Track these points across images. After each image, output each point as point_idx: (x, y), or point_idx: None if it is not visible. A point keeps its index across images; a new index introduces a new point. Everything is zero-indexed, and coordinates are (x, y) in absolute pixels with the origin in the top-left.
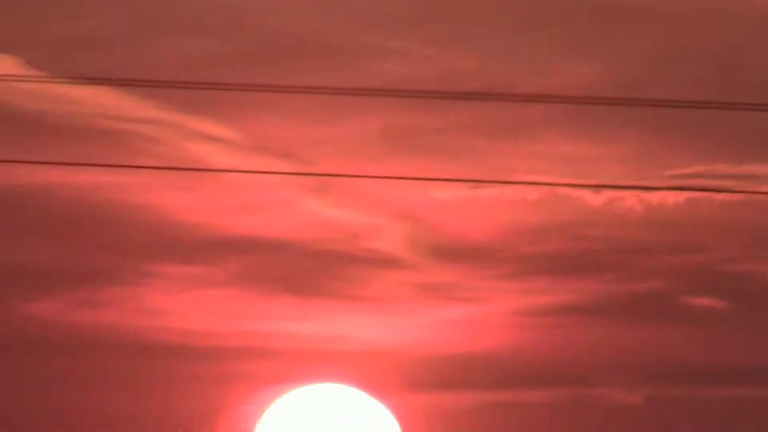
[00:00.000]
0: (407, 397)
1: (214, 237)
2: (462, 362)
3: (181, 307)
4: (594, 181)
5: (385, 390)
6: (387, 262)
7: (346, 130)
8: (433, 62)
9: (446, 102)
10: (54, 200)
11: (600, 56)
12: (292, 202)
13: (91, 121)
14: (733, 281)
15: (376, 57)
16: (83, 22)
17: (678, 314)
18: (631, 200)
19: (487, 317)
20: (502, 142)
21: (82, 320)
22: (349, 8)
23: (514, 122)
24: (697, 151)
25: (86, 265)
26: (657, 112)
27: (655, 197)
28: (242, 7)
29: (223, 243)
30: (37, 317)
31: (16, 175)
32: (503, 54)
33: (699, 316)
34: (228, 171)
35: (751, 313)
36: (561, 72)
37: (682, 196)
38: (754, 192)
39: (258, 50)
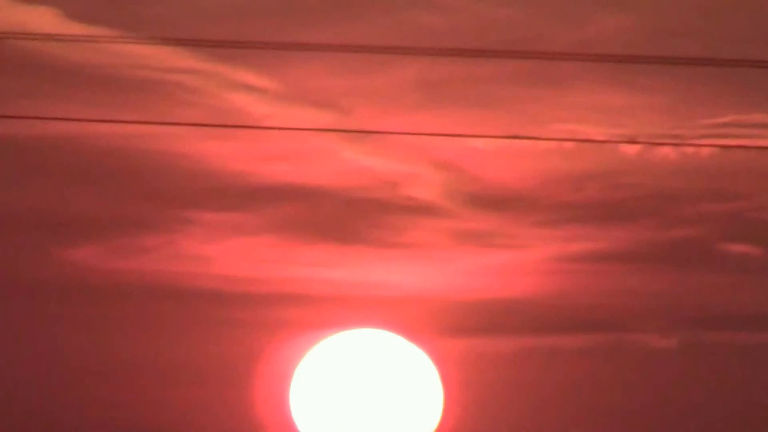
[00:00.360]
0: (445, 342)
1: (252, 185)
2: (499, 308)
3: (219, 254)
4: (629, 131)
5: (422, 335)
6: (424, 209)
7: (384, 80)
8: (469, 13)
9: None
10: (94, 150)
11: (639, 7)
12: (329, 150)
13: (130, 72)
14: None
15: (414, 8)
16: None
17: (713, 261)
18: (666, 150)
19: (523, 264)
20: (539, 92)
21: (122, 267)
22: None
23: (551, 73)
24: (733, 101)
25: (126, 213)
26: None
27: (690, 147)
28: None
29: (262, 191)
30: (77, 264)
31: (58, 125)
32: (540, 5)
33: (734, 263)
34: (266, 128)
35: None
36: (598, 23)
37: (717, 145)
38: None
39: (297, 2)
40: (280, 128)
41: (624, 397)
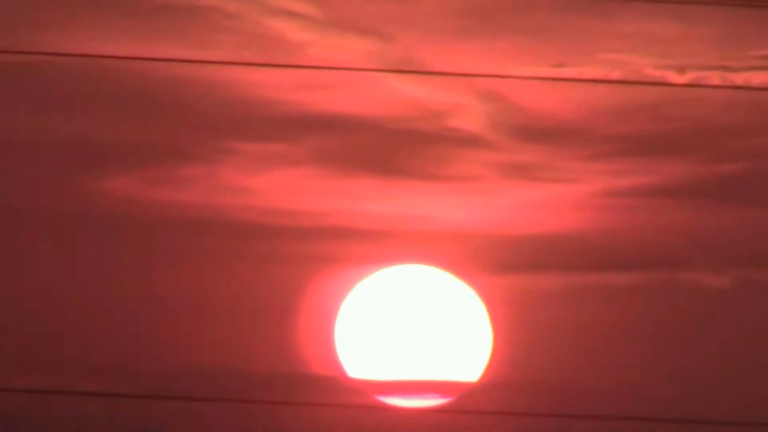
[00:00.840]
0: (491, 278)
1: (294, 114)
2: (546, 244)
3: (261, 186)
4: (678, 62)
5: (468, 271)
6: (469, 141)
7: (428, 6)
8: None
9: None
10: (131, 77)
11: None
12: (373, 79)
13: None
14: None
15: None
16: None
17: (765, 196)
18: (715, 80)
19: (571, 198)
20: (587, 22)
21: (159, 198)
22: None
23: (600, 2)
24: None
25: (164, 142)
26: None
27: (740, 77)
28: None
29: (303, 120)
30: (113, 194)
31: (93, 51)
32: None
33: None
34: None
35: None
36: None
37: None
38: None
39: None
40: (321, 57)
41: (674, 336)
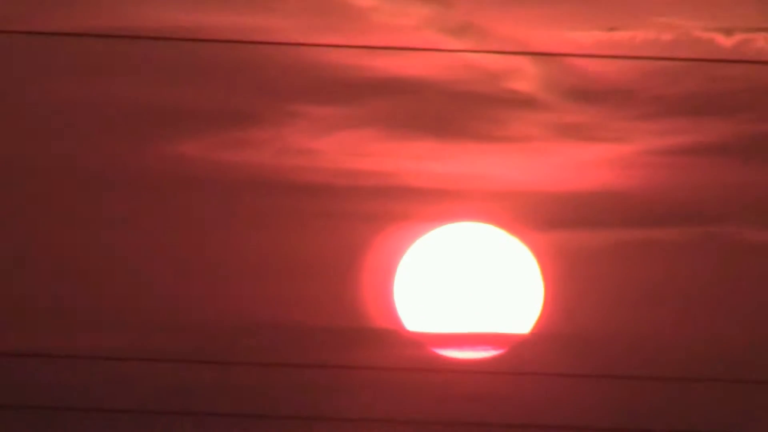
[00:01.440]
0: (544, 234)
1: (356, 79)
2: (597, 201)
3: (326, 148)
4: (725, 24)
5: (522, 228)
6: (525, 102)
7: None
8: None
9: None
10: (199, 44)
11: None
12: (432, 44)
13: None
14: None
15: None
16: None
17: None
18: (761, 42)
19: (621, 157)
20: None
21: (230, 160)
22: None
23: None
24: None
25: (231, 106)
26: None
27: None
28: None
29: (366, 84)
30: (186, 156)
31: (163, 20)
32: None
33: None
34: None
35: None
36: None
37: None
38: None
39: None
40: (384, 23)
41: (718, 289)
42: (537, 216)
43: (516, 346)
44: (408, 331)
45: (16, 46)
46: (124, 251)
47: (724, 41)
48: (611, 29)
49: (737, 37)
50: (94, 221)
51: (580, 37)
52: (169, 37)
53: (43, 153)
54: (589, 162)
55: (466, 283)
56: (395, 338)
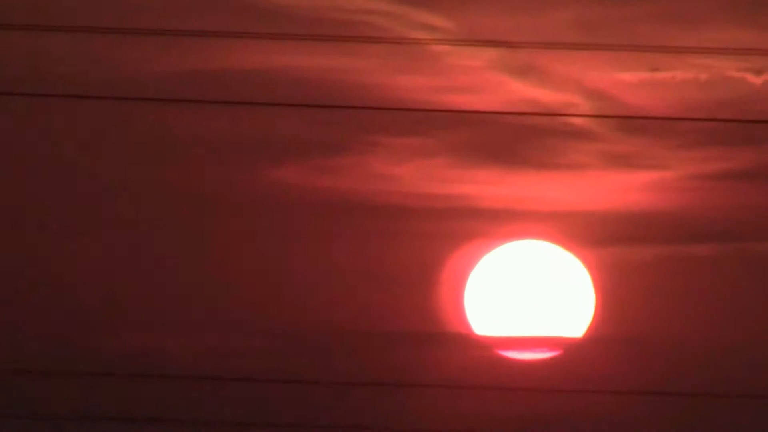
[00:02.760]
0: (596, 251)
1: (431, 113)
2: (642, 221)
3: (403, 174)
4: (756, 65)
5: (576, 245)
6: (578, 134)
7: (546, 19)
8: None
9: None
10: (296, 81)
11: None
12: (497, 82)
13: (331, 14)
14: None
15: None
16: None
17: None
18: None
19: (664, 182)
20: (678, 30)
21: (320, 184)
22: None
23: (690, 13)
24: None
25: (323, 137)
26: None
27: None
28: None
29: (439, 118)
30: (282, 181)
31: (267, 57)
32: None
33: None
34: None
35: None
36: None
37: None
38: None
39: None
40: (455, 64)
41: (748, 300)
42: (589, 234)
43: (570, 348)
44: (477, 335)
45: (138, 83)
46: (236, 262)
47: (754, 80)
48: (654, 70)
49: (766, 76)
50: (211, 236)
51: (627, 76)
52: (271, 75)
53: (162, 178)
54: (635, 186)
55: (528, 293)
56: (466, 341)
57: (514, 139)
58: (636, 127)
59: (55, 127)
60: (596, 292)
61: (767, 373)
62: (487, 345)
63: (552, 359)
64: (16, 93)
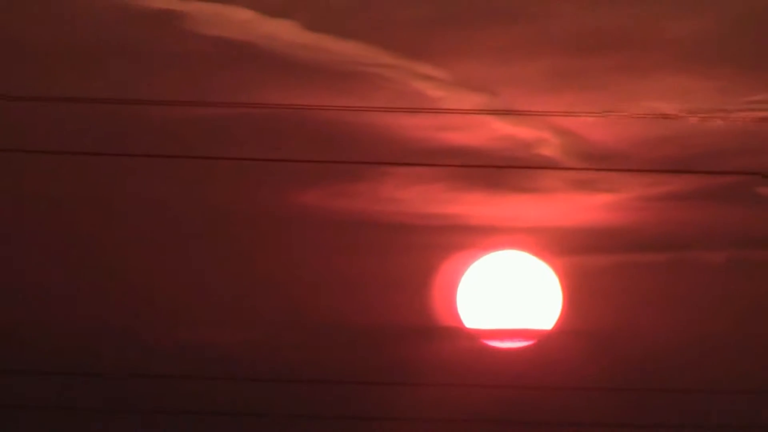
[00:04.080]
0: (562, 259)
1: (429, 148)
2: (601, 234)
3: (406, 197)
4: (692, 107)
5: (546, 255)
6: (551, 163)
7: (524, 70)
8: (579, 23)
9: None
10: (320, 122)
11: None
12: (483, 122)
13: (343, 66)
14: None
15: (547, 18)
16: None
17: (751, 200)
18: (717, 120)
19: (619, 202)
20: (630, 78)
21: (339, 206)
22: None
23: (640, 64)
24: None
25: (341, 168)
26: None
27: (736, 117)
28: None
29: (436, 151)
30: (306, 204)
31: (296, 100)
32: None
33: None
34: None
35: None
36: (674, 28)
37: (755, 117)
38: None
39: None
40: (449, 107)
41: (689, 300)
42: (557, 245)
43: (542, 338)
44: (467, 328)
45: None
46: (265, 271)
47: (690, 119)
48: (610, 111)
49: (699, 116)
50: (240, 251)
51: (589, 116)
52: (296, 118)
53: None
54: (595, 206)
55: (508, 293)
56: (457, 333)
57: (496, 168)
58: (596, 158)
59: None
60: (563, 293)
61: (707, 368)
62: (474, 336)
63: (526, 348)
64: None
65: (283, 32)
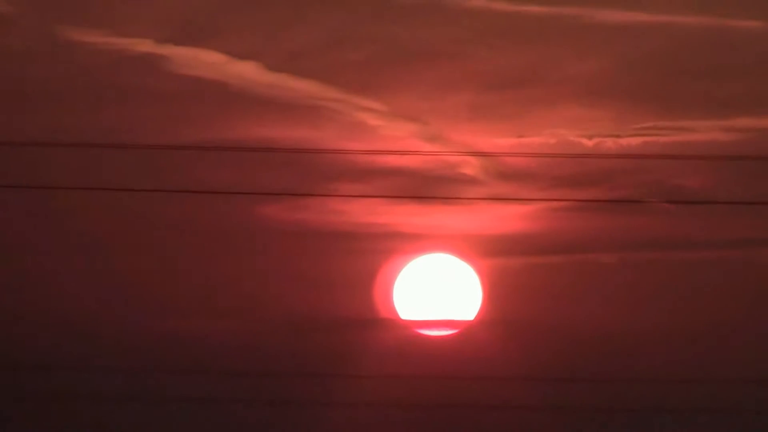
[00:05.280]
0: (483, 261)
1: (369, 168)
2: (516, 240)
3: (350, 209)
4: (590, 132)
5: (469, 257)
6: (471, 181)
7: (449, 103)
8: (508, 59)
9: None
10: (277, 149)
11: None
12: (416, 147)
13: (297, 101)
14: None
15: (469, 59)
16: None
17: (641, 211)
18: (609, 143)
19: (529, 212)
20: (539, 109)
21: (297, 217)
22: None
23: (548, 97)
24: (652, 113)
25: (297, 186)
26: None
27: (625, 141)
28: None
29: (376, 171)
30: (270, 216)
31: (255, 132)
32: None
33: (660, 211)
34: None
35: None
36: (589, 63)
37: (643, 141)
38: None
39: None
40: (387, 135)
41: (593, 296)
42: (480, 249)
43: (465, 328)
44: (401, 319)
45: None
46: (236, 271)
47: (588, 143)
48: (521, 136)
49: (595, 140)
50: (209, 259)
51: (504, 141)
52: (254, 148)
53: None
54: (510, 215)
55: (436, 290)
56: (393, 324)
57: (426, 185)
58: (510, 176)
59: None
60: (483, 290)
61: (607, 355)
62: (408, 326)
63: (451, 336)
64: None
65: (249, 72)
